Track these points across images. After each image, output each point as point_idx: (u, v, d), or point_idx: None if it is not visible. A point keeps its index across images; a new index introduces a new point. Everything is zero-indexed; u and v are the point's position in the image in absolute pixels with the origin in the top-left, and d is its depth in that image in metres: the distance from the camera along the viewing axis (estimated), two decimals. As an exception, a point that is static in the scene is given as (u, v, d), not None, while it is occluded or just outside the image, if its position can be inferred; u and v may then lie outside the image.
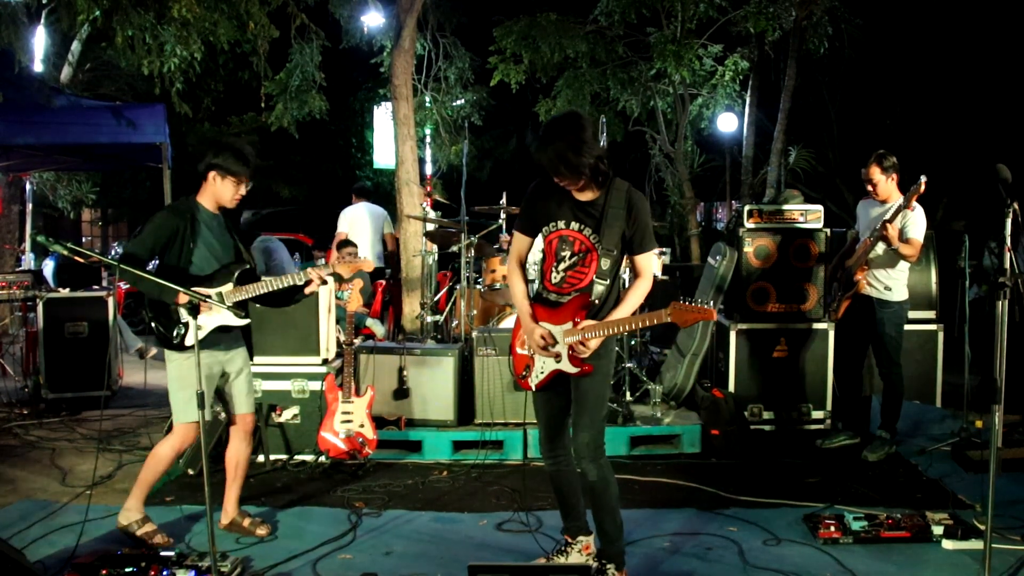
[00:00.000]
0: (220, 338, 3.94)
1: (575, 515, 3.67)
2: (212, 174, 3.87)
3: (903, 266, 5.19)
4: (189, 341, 3.80)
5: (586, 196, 3.36)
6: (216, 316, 3.87)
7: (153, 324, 3.85)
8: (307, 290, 3.99)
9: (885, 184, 5.17)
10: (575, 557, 3.62)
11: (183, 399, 3.87)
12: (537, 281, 3.58)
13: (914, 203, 4.90)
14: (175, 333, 3.83)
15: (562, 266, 3.43)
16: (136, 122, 6.34)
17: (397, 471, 5.13)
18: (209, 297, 3.76)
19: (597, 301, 3.36)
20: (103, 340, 6.70)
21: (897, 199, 5.15)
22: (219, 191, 3.90)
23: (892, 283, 5.19)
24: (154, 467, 3.96)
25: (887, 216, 5.03)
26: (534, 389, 3.51)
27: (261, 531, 4.07)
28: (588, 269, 3.39)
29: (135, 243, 3.84)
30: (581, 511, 3.67)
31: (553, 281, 3.45)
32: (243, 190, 3.93)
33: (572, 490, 3.64)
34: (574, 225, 3.38)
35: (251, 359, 4.29)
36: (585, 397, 3.39)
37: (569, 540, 3.68)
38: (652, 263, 3.43)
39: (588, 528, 3.68)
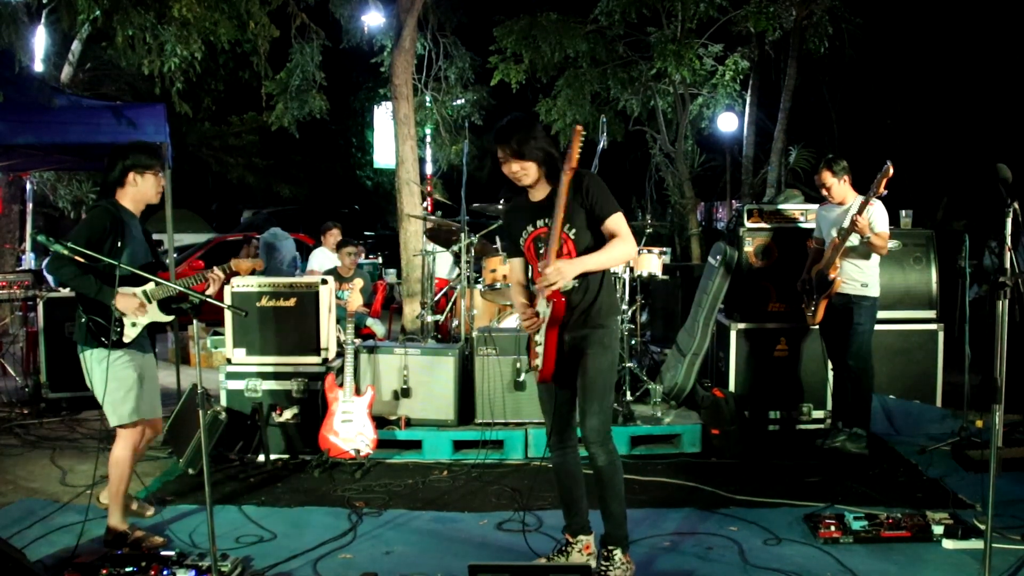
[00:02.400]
0: (143, 341, 3.97)
1: (577, 511, 3.67)
2: (131, 175, 3.93)
3: (875, 261, 5.30)
4: (128, 338, 3.87)
5: (542, 194, 3.46)
6: (148, 315, 3.94)
7: (87, 323, 3.81)
8: (209, 291, 3.94)
9: (839, 186, 5.31)
10: (576, 557, 3.62)
11: (119, 399, 3.85)
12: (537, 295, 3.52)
13: (882, 190, 4.92)
14: (113, 330, 3.82)
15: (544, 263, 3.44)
16: (136, 122, 6.31)
17: (397, 471, 5.13)
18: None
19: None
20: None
21: (853, 199, 5.27)
22: (142, 189, 3.97)
23: (867, 279, 5.30)
24: (120, 474, 3.90)
25: (853, 210, 5.11)
26: (541, 366, 3.43)
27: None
28: (566, 257, 3.41)
29: (74, 241, 3.72)
30: (584, 508, 3.67)
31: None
32: (162, 181, 4.06)
33: (576, 484, 3.65)
34: (539, 223, 3.46)
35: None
36: (593, 384, 3.44)
37: (570, 539, 3.68)
38: (624, 225, 3.40)
39: (589, 528, 3.68)
